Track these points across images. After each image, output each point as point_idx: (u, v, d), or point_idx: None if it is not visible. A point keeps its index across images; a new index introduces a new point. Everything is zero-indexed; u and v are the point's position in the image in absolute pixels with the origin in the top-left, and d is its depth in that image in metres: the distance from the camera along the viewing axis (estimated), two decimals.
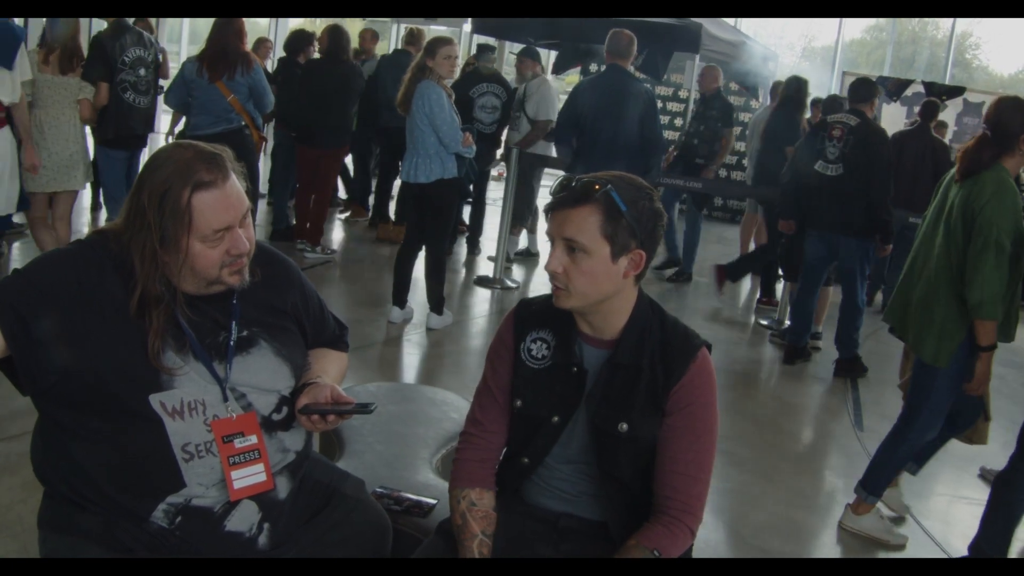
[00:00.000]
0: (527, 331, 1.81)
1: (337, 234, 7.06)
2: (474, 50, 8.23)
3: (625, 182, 1.67)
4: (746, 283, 8.09)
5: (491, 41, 8.92)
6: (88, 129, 5.24)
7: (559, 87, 9.97)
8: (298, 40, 7.15)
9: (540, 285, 6.99)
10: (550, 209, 1.68)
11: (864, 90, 5.27)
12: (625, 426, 1.70)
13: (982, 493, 4.05)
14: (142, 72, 5.19)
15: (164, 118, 7.29)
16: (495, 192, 8.99)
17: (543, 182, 8.58)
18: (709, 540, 3.21)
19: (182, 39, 13.40)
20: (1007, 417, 5.14)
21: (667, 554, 1.65)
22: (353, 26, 10.82)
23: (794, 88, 6.56)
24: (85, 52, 5.06)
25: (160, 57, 5.61)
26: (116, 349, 1.57)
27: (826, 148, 5.20)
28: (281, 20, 14.64)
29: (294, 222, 6.95)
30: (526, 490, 1.87)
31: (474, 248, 7.58)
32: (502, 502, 1.83)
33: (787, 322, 6.03)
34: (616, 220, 1.63)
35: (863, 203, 5.06)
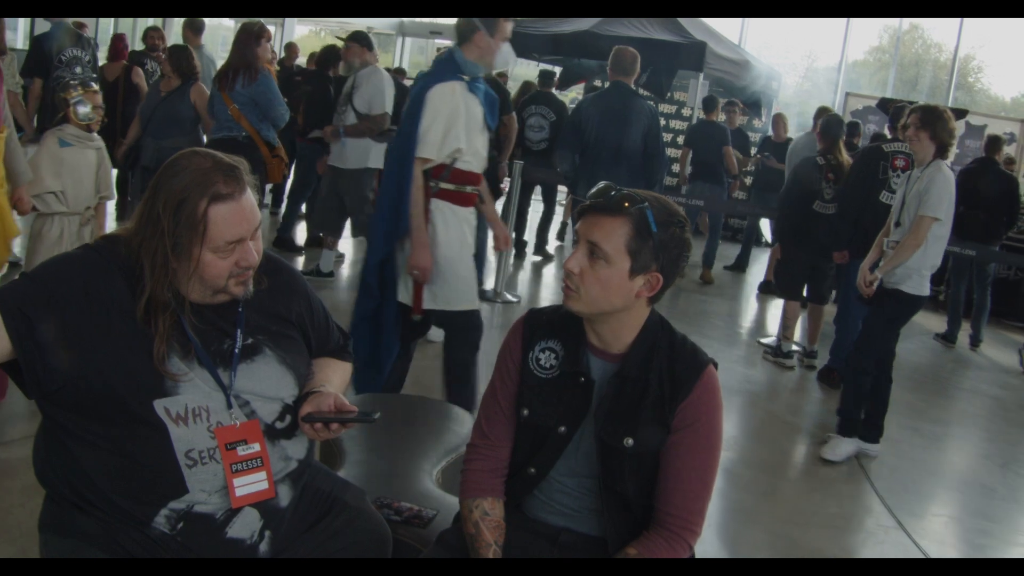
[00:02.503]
0: (536, 340, 1.81)
1: (341, 246, 7.06)
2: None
3: (662, 205, 1.68)
4: (748, 298, 8.11)
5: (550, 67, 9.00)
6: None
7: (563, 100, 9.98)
8: (328, 55, 7.22)
9: (542, 301, 7.01)
10: (584, 211, 1.70)
11: None
12: (631, 441, 1.70)
13: (977, 514, 4.06)
14: (78, 70, 5.46)
15: None
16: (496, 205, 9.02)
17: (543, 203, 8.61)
18: (706, 557, 3.21)
19: None
20: (1003, 439, 5.16)
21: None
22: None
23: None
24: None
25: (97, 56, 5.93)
26: (122, 353, 1.58)
27: (890, 179, 5.09)
28: (286, 29, 14.71)
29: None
30: (528, 504, 1.86)
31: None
32: (504, 515, 1.83)
33: (784, 341, 6.03)
34: (644, 239, 1.65)
35: None
